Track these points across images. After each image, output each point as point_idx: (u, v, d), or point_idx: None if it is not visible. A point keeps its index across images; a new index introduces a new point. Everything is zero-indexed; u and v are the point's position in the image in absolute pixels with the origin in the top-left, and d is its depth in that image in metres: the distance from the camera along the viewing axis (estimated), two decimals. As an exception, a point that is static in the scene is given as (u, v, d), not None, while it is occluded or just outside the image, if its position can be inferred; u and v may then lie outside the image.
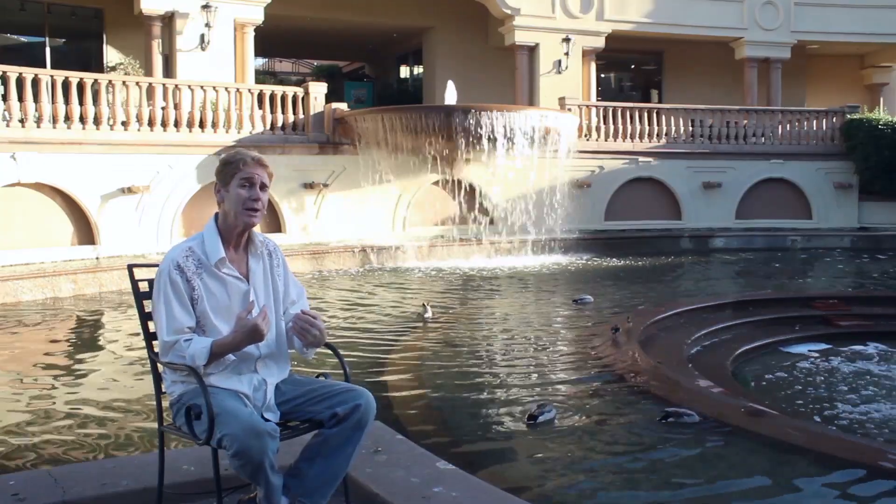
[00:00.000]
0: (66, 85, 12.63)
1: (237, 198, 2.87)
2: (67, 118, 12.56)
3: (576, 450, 4.60)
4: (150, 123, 13.46)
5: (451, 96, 16.46)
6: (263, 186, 2.92)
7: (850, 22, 21.75)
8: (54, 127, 12.40)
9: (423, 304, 8.86)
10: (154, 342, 2.97)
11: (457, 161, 15.66)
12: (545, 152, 15.81)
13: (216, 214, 2.97)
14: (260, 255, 3.00)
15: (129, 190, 13.00)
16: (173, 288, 2.80)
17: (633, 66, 25.19)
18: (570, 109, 17.18)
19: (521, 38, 19.57)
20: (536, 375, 6.39)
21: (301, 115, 15.11)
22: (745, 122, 18.96)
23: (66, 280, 10.84)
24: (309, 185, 14.82)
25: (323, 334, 2.88)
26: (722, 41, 21.74)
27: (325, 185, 14.96)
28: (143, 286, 3.04)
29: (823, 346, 7.62)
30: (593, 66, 20.77)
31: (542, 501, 3.87)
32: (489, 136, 14.69)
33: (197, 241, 2.91)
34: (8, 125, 11.96)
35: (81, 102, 12.73)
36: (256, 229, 3.03)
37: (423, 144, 15.16)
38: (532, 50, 19.81)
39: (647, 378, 5.85)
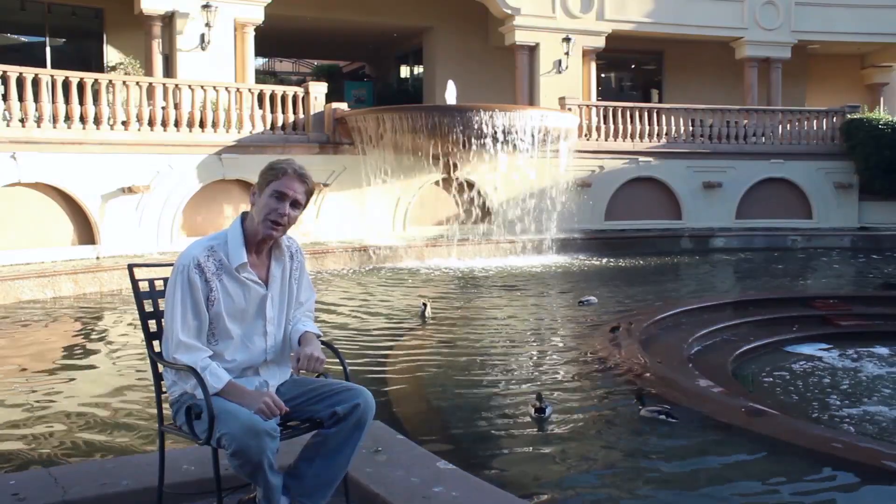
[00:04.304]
0: (66, 85, 12.63)
1: (265, 206, 2.83)
2: (68, 118, 12.56)
3: (576, 449, 4.60)
4: (151, 123, 13.46)
5: (451, 96, 16.45)
6: (296, 203, 2.85)
7: (851, 21, 21.75)
8: (54, 127, 12.41)
9: (423, 303, 8.86)
10: (154, 342, 2.97)
11: (457, 161, 15.67)
12: (545, 152, 15.81)
13: (244, 214, 2.93)
14: (282, 260, 2.97)
15: (130, 190, 13.00)
16: (191, 287, 2.77)
17: (633, 66, 25.19)
18: (570, 109, 17.18)
19: (521, 37, 19.57)
20: (536, 375, 6.39)
21: (301, 115, 15.11)
22: (746, 121, 18.96)
23: (66, 280, 10.84)
24: (309, 185, 14.78)
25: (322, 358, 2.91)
26: (722, 41, 21.74)
27: (326, 185, 14.96)
28: (144, 286, 3.03)
29: (824, 346, 7.62)
30: (593, 65, 20.78)
31: (543, 501, 3.87)
32: (489, 136, 14.68)
33: (220, 240, 2.86)
34: (8, 125, 11.96)
35: (81, 102, 12.73)
36: None
37: (424, 144, 15.16)
38: (532, 50, 19.81)
39: (647, 378, 5.85)
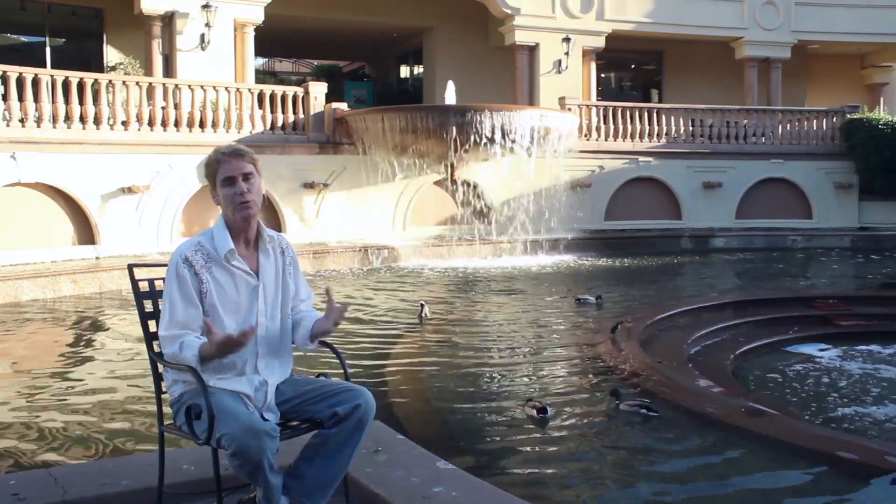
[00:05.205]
0: (66, 85, 12.63)
1: (225, 198, 2.87)
2: (67, 118, 12.56)
3: (576, 449, 4.60)
4: (150, 123, 13.46)
5: (451, 96, 16.46)
6: (247, 176, 2.87)
7: (851, 21, 21.75)
8: (54, 127, 12.40)
9: (421, 304, 8.86)
10: (154, 342, 2.97)
11: (457, 161, 15.66)
12: (545, 152, 15.81)
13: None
14: (270, 252, 2.99)
15: (130, 190, 13.00)
16: (179, 282, 2.80)
17: (633, 66, 25.19)
18: (570, 109, 17.18)
19: (521, 37, 19.57)
20: (536, 375, 6.39)
21: (301, 115, 15.11)
22: (746, 121, 18.97)
23: (66, 280, 10.84)
24: (309, 185, 14.82)
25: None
26: (722, 41, 21.74)
27: (325, 185, 14.96)
28: (144, 286, 3.04)
29: (823, 346, 7.63)
30: (593, 65, 20.78)
31: (543, 501, 3.87)
32: (489, 136, 14.67)
33: (206, 236, 2.92)
34: (8, 125, 11.96)
35: (81, 102, 12.73)
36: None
37: (424, 144, 15.15)
38: (532, 50, 19.81)
39: (647, 378, 5.85)
